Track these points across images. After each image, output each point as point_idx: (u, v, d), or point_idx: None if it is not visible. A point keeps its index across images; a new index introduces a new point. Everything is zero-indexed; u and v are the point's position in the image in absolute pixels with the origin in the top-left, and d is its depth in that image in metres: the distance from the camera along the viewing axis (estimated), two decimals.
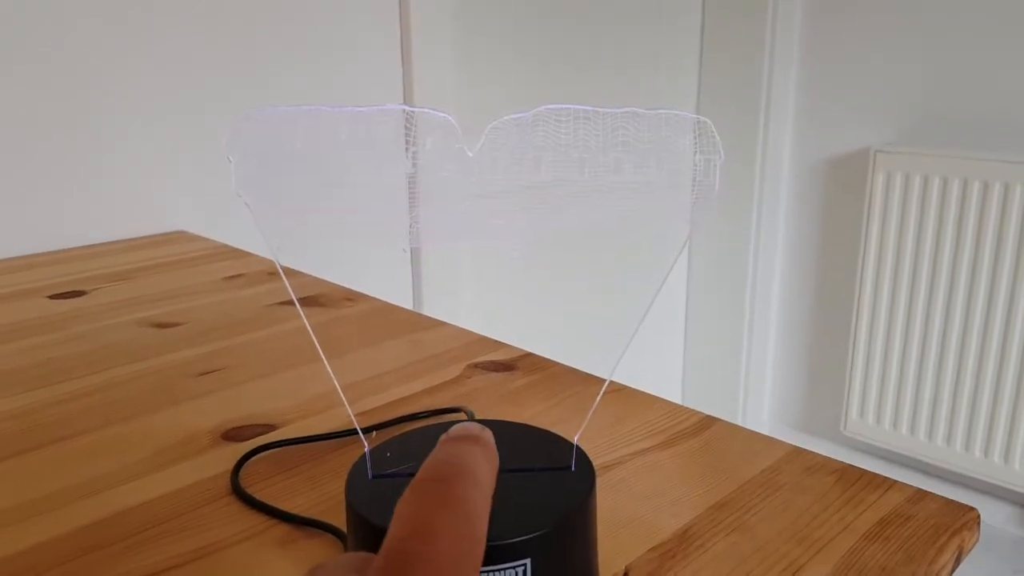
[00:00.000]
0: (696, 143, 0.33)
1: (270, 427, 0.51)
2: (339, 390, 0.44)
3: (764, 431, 2.12)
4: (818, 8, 1.82)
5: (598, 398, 0.42)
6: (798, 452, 0.47)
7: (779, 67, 1.86)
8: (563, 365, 0.60)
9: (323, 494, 0.44)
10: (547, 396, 0.55)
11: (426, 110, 0.34)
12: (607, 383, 0.42)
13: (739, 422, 2.09)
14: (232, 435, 0.50)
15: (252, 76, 1.09)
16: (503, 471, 0.36)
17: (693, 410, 0.53)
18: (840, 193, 1.87)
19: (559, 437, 0.38)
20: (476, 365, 0.60)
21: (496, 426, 0.42)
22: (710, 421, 0.51)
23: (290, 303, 0.75)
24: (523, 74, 1.50)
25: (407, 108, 0.34)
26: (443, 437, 0.26)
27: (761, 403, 2.10)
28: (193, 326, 0.69)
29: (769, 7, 1.81)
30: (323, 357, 0.37)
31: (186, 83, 1.04)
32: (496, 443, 0.39)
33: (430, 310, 1.33)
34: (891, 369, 1.82)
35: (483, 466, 0.24)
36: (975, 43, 1.64)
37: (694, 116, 0.33)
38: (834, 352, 1.96)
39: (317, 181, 0.32)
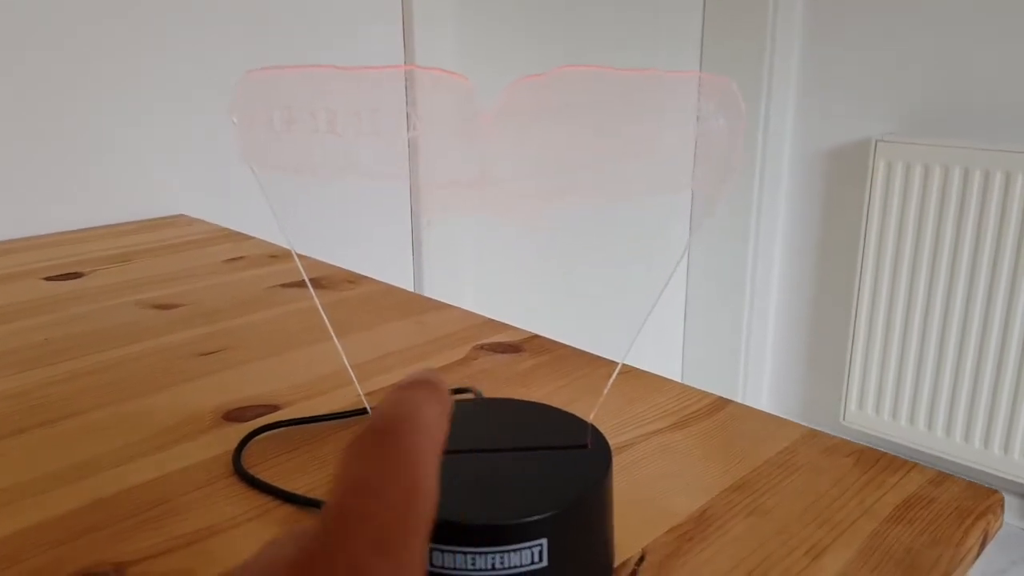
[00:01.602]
0: (719, 107, 0.32)
1: (272, 407, 0.50)
2: (348, 367, 0.43)
3: None
4: None
5: (612, 376, 0.41)
6: (813, 434, 0.46)
7: (780, 56, 1.84)
8: (571, 347, 0.58)
9: (327, 475, 0.42)
10: (556, 377, 0.54)
11: (438, 72, 0.33)
12: (620, 365, 0.40)
13: None
14: (234, 416, 0.49)
15: (252, 63, 1.08)
16: (518, 449, 0.35)
17: (705, 392, 0.51)
18: (841, 182, 1.86)
19: (573, 416, 0.37)
20: (482, 347, 0.59)
21: (509, 404, 0.41)
22: (723, 403, 0.50)
23: (292, 285, 0.73)
24: (524, 63, 1.48)
25: (417, 68, 0.33)
26: (393, 386, 0.23)
27: (760, 392, 2.10)
28: (194, 308, 0.68)
29: None
30: (333, 335, 0.36)
31: (187, 67, 1.02)
32: (509, 421, 0.38)
33: (431, 294, 1.32)
34: (891, 359, 1.81)
35: (431, 410, 0.21)
36: (976, 32, 1.63)
37: (719, 77, 0.31)
38: (834, 342, 1.95)
39: (324, 147, 0.31)
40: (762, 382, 2.09)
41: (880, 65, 1.76)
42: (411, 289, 1.32)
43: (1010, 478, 1.72)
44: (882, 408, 1.85)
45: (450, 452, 0.23)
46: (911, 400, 1.81)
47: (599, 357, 0.57)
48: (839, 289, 1.92)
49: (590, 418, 0.36)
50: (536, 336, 0.61)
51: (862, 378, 1.86)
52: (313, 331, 0.62)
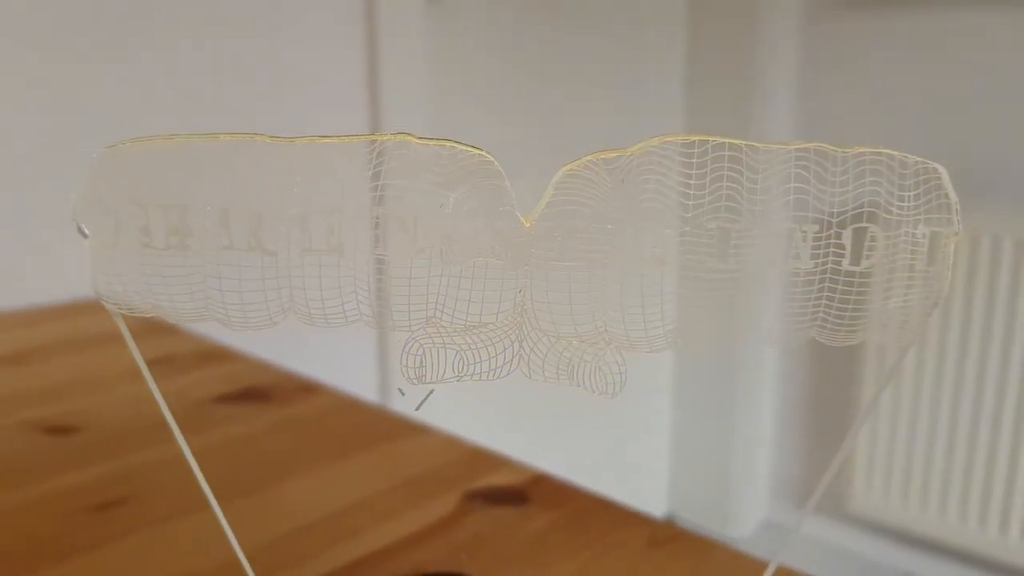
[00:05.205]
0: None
1: None
2: (242, 561, 0.30)
3: (760, 504, 1.94)
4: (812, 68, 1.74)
5: None
6: None
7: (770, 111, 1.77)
8: (589, 494, 0.45)
9: None
10: (579, 545, 0.40)
11: (432, 142, 0.20)
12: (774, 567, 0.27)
13: (731, 495, 1.91)
14: None
15: (190, 112, 0.94)
16: None
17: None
18: None
19: None
20: (475, 494, 0.45)
21: None
22: None
23: (230, 398, 0.59)
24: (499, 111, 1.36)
25: (391, 137, 0.20)
26: None
27: (756, 475, 1.95)
28: (95, 432, 0.53)
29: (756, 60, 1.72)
30: (208, 492, 0.22)
31: (110, 123, 0.88)
32: None
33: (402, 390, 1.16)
34: (899, 438, 1.68)
35: None
36: (984, 111, 1.56)
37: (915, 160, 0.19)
38: (838, 419, 1.83)
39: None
40: (760, 461, 1.94)
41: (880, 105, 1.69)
42: (375, 382, 1.16)
43: None
44: (891, 491, 1.71)
45: None
46: (922, 482, 1.67)
47: (630, 511, 0.43)
48: (843, 362, 1.80)
49: None
50: (543, 477, 0.47)
51: (869, 458, 1.72)
52: (262, 467, 0.48)
